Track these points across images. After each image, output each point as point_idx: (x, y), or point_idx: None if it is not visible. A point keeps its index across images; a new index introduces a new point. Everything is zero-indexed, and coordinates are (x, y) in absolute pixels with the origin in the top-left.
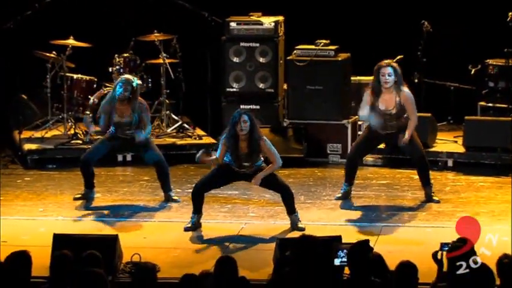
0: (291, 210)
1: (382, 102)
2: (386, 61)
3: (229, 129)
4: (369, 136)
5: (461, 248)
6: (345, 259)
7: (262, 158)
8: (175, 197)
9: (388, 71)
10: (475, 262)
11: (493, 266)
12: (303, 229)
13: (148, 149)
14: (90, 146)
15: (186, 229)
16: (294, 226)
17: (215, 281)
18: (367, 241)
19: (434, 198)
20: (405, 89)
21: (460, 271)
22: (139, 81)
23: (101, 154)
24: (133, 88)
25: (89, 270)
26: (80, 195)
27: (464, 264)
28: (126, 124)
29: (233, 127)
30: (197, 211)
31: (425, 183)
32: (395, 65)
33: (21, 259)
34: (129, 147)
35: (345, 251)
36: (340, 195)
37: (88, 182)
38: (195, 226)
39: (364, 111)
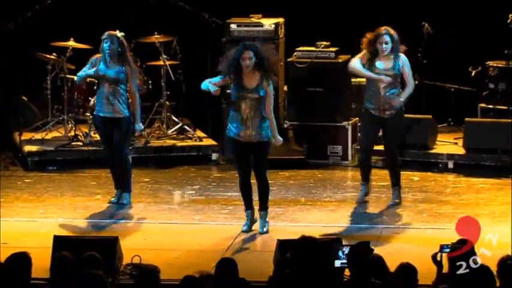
0: (262, 206)
1: (380, 61)
2: (383, 28)
3: (230, 62)
4: (367, 127)
5: (461, 248)
6: (345, 260)
7: (268, 123)
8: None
9: (386, 39)
10: (475, 262)
11: (493, 266)
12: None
13: (120, 132)
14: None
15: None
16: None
17: (216, 283)
18: (368, 243)
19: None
20: (402, 54)
21: (460, 271)
22: (123, 33)
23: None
24: (120, 39)
25: (88, 272)
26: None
27: (464, 264)
28: (113, 79)
29: (236, 63)
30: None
31: (395, 183)
32: (392, 31)
33: (21, 260)
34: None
35: (345, 252)
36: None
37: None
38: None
39: (356, 64)
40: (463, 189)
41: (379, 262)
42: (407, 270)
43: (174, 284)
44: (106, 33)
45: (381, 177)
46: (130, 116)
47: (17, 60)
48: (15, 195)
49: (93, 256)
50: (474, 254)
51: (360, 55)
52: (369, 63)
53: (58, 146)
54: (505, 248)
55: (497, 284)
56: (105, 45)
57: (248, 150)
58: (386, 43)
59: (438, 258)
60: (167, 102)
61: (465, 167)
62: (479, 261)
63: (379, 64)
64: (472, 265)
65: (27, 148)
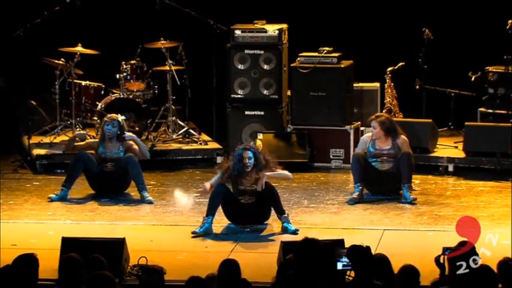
0: (279, 212)
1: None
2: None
3: (233, 164)
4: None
5: (461, 249)
6: (347, 262)
7: None
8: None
9: (373, 124)
10: (475, 262)
11: (493, 267)
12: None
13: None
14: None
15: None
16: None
17: (218, 284)
18: (368, 248)
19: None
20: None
21: (460, 271)
22: (124, 117)
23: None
24: (120, 123)
25: (97, 273)
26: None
27: (464, 264)
28: (112, 159)
29: (238, 163)
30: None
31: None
32: (381, 119)
33: (28, 261)
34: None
35: (346, 254)
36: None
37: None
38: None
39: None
40: (463, 192)
41: (384, 261)
42: (409, 272)
43: (180, 284)
44: (109, 116)
45: None
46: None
47: (25, 66)
48: (24, 198)
49: (98, 258)
50: (475, 254)
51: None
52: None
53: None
54: (505, 248)
55: (500, 286)
56: (106, 127)
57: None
58: (375, 128)
59: (441, 261)
60: (173, 107)
61: (465, 170)
62: (480, 261)
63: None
64: (472, 265)
65: (36, 151)
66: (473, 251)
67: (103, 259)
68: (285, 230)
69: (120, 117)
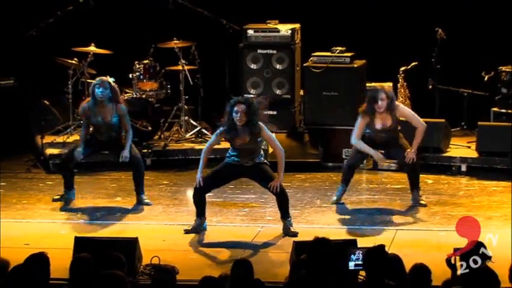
0: (285, 215)
1: (378, 121)
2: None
3: (226, 119)
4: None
5: (461, 248)
6: (359, 262)
7: (262, 152)
8: (146, 200)
9: (382, 96)
10: (475, 262)
11: (493, 267)
12: (295, 234)
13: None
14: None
15: (186, 231)
16: (287, 231)
17: (231, 284)
18: (383, 246)
19: (421, 202)
20: (399, 104)
21: (461, 271)
22: (113, 79)
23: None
24: (112, 85)
25: (109, 272)
26: (58, 197)
27: (464, 264)
28: (107, 127)
29: (230, 117)
30: (201, 214)
31: (414, 187)
32: (387, 89)
33: (39, 260)
34: (107, 148)
35: (358, 254)
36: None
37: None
38: (197, 230)
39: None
40: (476, 191)
41: (397, 261)
42: (421, 271)
43: (193, 284)
44: (99, 78)
45: (395, 179)
46: None
47: (39, 65)
48: (37, 197)
49: (118, 257)
50: (475, 253)
51: (359, 125)
52: (368, 123)
53: None
54: (505, 248)
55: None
56: (98, 90)
57: (239, 175)
58: (382, 99)
59: (452, 261)
60: (185, 106)
61: (478, 170)
62: (480, 261)
63: (378, 124)
64: (472, 265)
65: (49, 151)
66: (473, 251)
67: (122, 257)
68: (286, 233)
69: (110, 79)
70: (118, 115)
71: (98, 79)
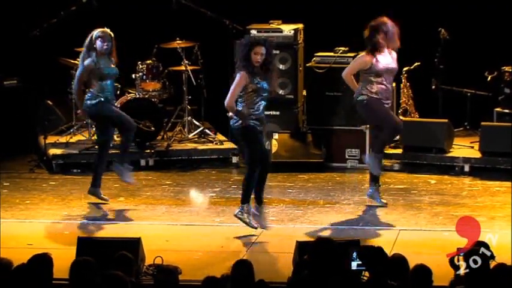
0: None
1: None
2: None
3: (243, 61)
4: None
5: (464, 248)
6: (361, 262)
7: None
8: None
9: (385, 27)
10: (475, 262)
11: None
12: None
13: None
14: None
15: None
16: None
17: (232, 284)
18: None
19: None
20: None
21: (460, 271)
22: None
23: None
24: (112, 37)
25: (109, 272)
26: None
27: (464, 264)
28: (114, 75)
29: (246, 59)
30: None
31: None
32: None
33: (42, 261)
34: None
35: (361, 254)
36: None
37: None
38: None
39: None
40: (479, 192)
41: (402, 262)
42: (422, 272)
43: (195, 284)
44: (100, 30)
45: (398, 180)
46: None
47: (42, 66)
48: (41, 198)
49: (126, 256)
50: (475, 253)
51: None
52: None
53: (82, 149)
54: (505, 248)
55: None
56: (105, 43)
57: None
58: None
59: (456, 262)
60: (188, 107)
61: (481, 170)
62: (480, 261)
63: (385, 62)
64: (472, 265)
65: (52, 151)
66: (473, 251)
67: (130, 256)
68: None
69: (109, 30)
70: (116, 65)
71: (97, 31)
